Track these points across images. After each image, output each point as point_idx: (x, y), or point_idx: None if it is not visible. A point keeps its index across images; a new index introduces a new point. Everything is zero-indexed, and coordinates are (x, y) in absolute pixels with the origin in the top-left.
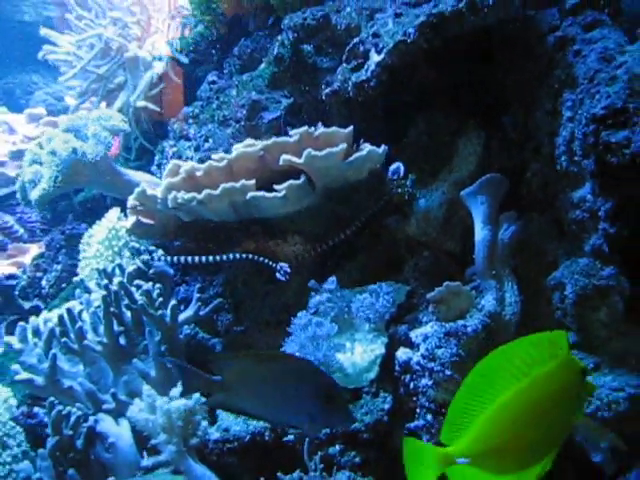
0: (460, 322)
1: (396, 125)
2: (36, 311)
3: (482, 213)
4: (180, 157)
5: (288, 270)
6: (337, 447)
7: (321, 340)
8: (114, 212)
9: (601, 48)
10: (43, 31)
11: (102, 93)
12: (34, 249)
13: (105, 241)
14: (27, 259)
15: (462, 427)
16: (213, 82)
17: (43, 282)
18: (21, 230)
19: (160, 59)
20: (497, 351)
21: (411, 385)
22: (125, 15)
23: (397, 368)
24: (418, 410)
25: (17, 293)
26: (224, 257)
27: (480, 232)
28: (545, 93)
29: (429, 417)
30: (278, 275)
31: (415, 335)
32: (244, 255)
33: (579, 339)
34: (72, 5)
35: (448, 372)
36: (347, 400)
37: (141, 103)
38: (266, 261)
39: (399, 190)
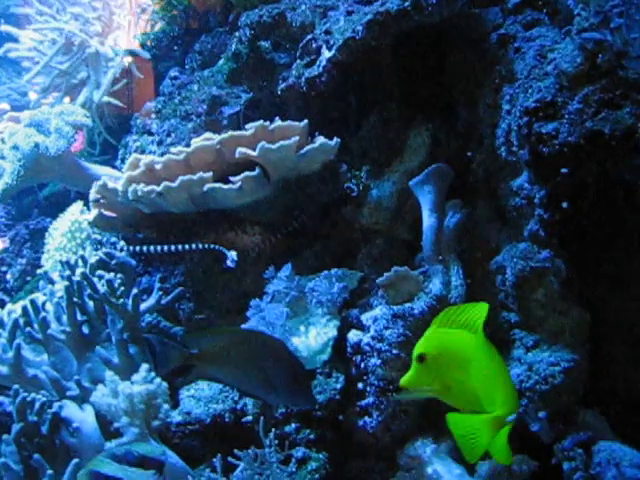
0: (407, 305)
1: (351, 118)
2: (1, 304)
3: (429, 202)
4: (143, 151)
5: (236, 258)
6: (293, 425)
7: (276, 325)
8: (77, 205)
9: (538, 46)
10: (3, 27)
11: (65, 88)
12: None
13: (68, 233)
14: None
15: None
16: (175, 78)
17: (8, 276)
18: None
19: (121, 53)
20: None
21: (362, 365)
22: (86, 11)
23: (349, 349)
24: (368, 388)
25: None
26: (185, 247)
27: (427, 220)
28: (488, 87)
29: (378, 394)
30: (228, 262)
31: (365, 318)
32: (198, 245)
33: (520, 319)
34: (32, 1)
35: (395, 351)
36: (311, 382)
37: (105, 99)
38: (219, 249)
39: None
